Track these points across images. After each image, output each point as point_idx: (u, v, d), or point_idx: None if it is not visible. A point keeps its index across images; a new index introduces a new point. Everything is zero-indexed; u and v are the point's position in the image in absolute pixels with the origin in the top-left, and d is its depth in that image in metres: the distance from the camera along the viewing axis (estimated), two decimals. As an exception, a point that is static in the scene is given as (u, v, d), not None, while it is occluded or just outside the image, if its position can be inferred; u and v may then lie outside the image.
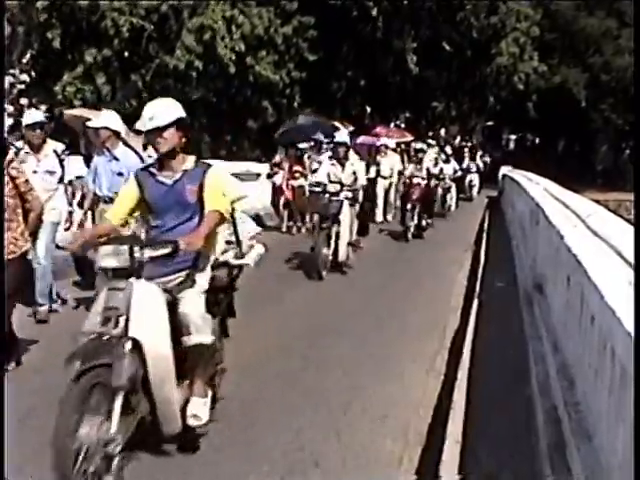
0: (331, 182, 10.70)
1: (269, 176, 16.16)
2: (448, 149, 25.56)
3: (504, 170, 28.44)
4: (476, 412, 4.85)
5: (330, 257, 10.41)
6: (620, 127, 39.73)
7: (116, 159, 7.48)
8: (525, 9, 31.70)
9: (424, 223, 15.34)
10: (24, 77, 23.85)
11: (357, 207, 10.96)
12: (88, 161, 8.44)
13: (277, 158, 16.30)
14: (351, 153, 11.37)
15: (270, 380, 5.84)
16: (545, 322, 6.39)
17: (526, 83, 32.62)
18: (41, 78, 22.82)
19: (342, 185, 10.57)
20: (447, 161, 22.32)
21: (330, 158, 11.44)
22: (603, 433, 3.48)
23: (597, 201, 8.61)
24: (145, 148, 9.25)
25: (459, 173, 23.64)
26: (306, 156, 16.21)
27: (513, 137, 55.73)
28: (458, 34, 30.29)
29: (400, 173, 18.31)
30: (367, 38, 28.55)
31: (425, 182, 15.45)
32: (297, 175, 15.51)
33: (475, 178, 27.92)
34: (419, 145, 17.76)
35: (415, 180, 15.16)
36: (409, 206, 14.67)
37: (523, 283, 9.17)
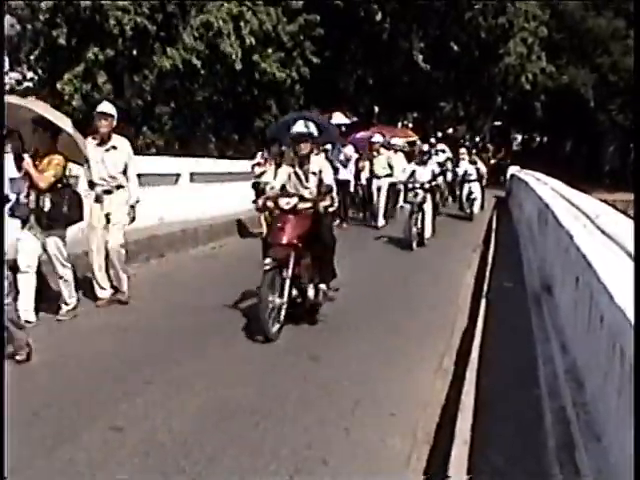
0: None
1: (256, 177, 14.03)
2: (426, 145, 17.89)
3: (512, 170, 28.38)
4: (484, 412, 4.85)
5: None
6: (628, 128, 39.69)
7: None
8: (533, 9, 31.72)
9: (311, 294, 7.47)
10: (31, 75, 23.96)
11: None
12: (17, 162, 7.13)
13: (259, 157, 14.40)
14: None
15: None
16: (553, 323, 6.39)
17: (534, 83, 32.63)
18: (47, 76, 22.90)
19: None
20: (421, 162, 14.81)
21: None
22: (612, 434, 3.48)
23: (605, 201, 8.58)
24: (104, 140, 8.10)
25: (439, 180, 16.11)
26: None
27: (519, 137, 55.80)
28: (466, 34, 30.26)
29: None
30: (374, 38, 28.55)
31: (308, 206, 7.41)
32: None
33: (476, 188, 20.32)
34: (297, 127, 7.85)
35: (284, 203, 7.41)
36: (268, 261, 6.85)
37: (531, 283, 9.16)
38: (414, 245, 13.54)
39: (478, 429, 4.57)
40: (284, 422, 4.89)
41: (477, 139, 43.79)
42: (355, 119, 21.59)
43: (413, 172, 14.33)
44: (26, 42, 22.66)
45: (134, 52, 21.50)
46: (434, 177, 14.75)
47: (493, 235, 15.96)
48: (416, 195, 13.78)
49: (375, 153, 17.44)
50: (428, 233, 14.35)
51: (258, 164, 14.17)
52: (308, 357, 6.42)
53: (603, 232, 5.20)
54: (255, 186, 14.00)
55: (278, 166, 14.28)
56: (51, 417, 4.84)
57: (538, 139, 55.05)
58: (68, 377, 5.66)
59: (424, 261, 12.51)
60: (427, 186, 14.09)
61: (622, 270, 3.91)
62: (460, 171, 21.09)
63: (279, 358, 6.36)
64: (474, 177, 20.45)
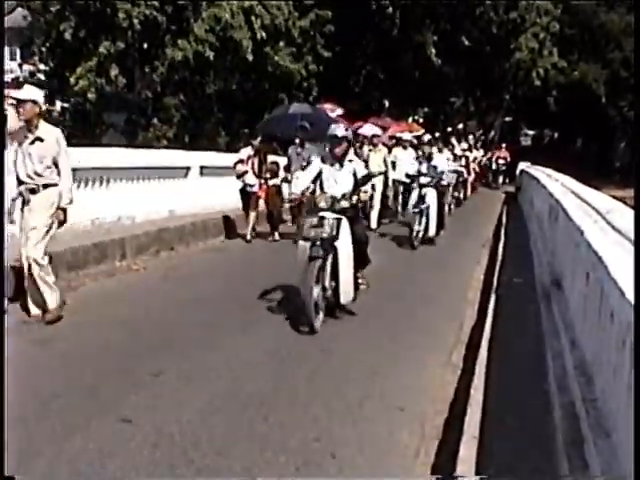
0: None
1: (238, 176, 13.13)
2: (341, 127, 7.89)
3: (522, 166, 28.23)
4: (493, 407, 4.84)
5: None
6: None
7: None
8: (545, 4, 31.59)
9: None
10: (43, 67, 24.06)
11: None
12: None
13: (243, 153, 13.28)
14: None
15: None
16: (563, 318, 6.37)
17: (545, 79, 32.51)
18: (57, 69, 23.00)
19: None
20: (335, 161, 7.57)
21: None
22: (621, 429, 3.47)
23: (615, 197, 8.55)
24: None
25: (367, 191, 7.85)
26: (290, 150, 13.41)
27: (531, 133, 55.54)
28: (477, 29, 30.15)
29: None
30: (386, 32, 28.46)
31: None
32: (271, 170, 13.24)
33: (430, 196, 13.44)
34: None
35: None
36: None
37: (541, 279, 9.13)
38: (316, 321, 6.95)
39: (487, 424, 4.56)
40: (292, 415, 4.89)
41: (491, 134, 43.53)
42: (340, 112, 20.52)
43: (319, 174, 7.57)
44: (38, 35, 22.75)
45: (144, 45, 21.54)
46: (356, 186, 7.46)
47: (503, 230, 15.92)
48: (321, 222, 7.12)
49: (371, 147, 16.58)
50: (349, 294, 7.41)
51: (240, 161, 13.06)
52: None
53: (614, 228, 5.17)
54: (243, 191, 13.28)
55: (262, 163, 13.08)
56: (60, 408, 4.85)
57: (549, 135, 54.83)
58: (77, 368, 5.67)
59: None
60: (344, 204, 7.29)
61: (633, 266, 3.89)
62: (411, 169, 14.06)
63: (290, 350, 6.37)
64: (426, 179, 13.46)
